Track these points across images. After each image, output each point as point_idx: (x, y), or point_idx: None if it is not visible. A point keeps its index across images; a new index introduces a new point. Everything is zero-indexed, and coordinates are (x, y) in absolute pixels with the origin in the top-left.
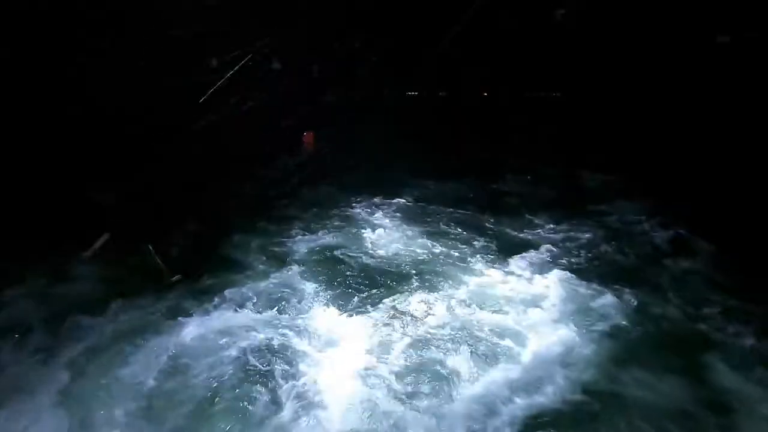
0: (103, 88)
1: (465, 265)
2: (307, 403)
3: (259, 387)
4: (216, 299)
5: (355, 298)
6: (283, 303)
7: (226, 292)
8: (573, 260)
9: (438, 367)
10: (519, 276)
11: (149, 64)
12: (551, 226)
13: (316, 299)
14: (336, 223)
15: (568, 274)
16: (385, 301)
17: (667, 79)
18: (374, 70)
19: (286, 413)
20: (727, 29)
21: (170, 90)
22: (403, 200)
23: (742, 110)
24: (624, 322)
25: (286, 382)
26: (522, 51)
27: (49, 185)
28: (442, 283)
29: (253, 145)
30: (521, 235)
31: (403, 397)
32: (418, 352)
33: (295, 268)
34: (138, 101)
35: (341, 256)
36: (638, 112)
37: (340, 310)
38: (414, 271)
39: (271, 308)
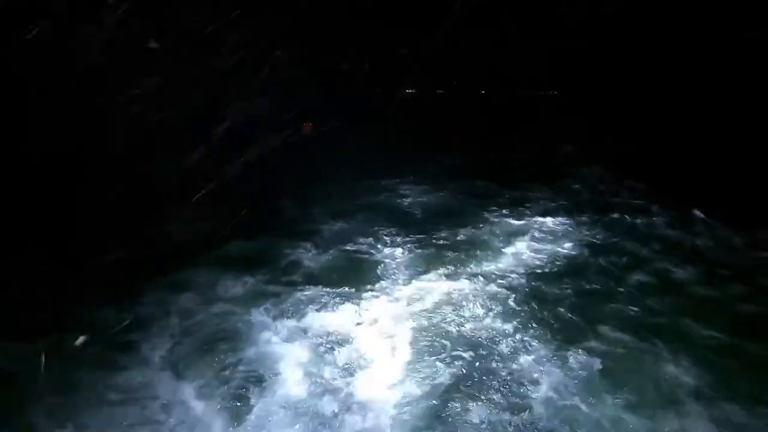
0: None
1: (466, 214)
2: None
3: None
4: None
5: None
6: (348, 241)
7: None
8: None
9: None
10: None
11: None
12: (540, 197)
13: (369, 238)
14: (361, 196)
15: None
16: (416, 236)
17: (665, 77)
18: (372, 67)
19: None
20: (726, 28)
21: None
22: (412, 179)
23: (737, 108)
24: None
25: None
26: (520, 50)
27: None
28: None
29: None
30: (514, 206)
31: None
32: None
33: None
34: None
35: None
36: (635, 110)
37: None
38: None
39: (341, 243)
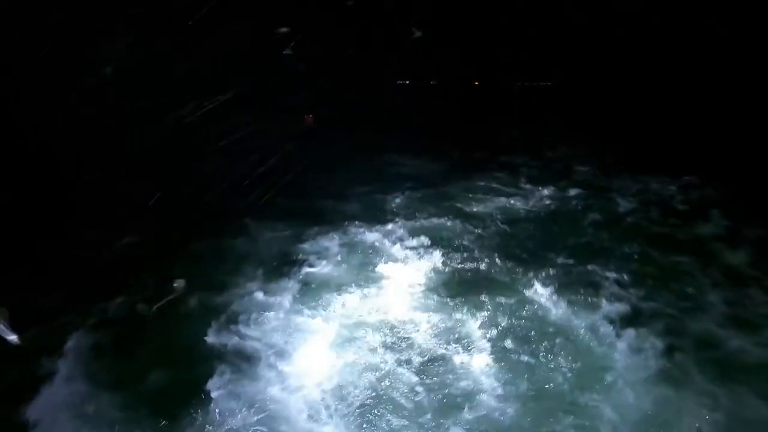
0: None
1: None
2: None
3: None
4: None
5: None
6: (366, 198)
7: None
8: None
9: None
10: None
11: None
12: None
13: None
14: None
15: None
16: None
17: (657, 73)
18: (366, 59)
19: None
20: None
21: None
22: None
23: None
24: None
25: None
26: (513, 42)
27: None
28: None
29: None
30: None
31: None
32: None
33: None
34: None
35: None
36: (620, 100)
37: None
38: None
39: (370, 210)
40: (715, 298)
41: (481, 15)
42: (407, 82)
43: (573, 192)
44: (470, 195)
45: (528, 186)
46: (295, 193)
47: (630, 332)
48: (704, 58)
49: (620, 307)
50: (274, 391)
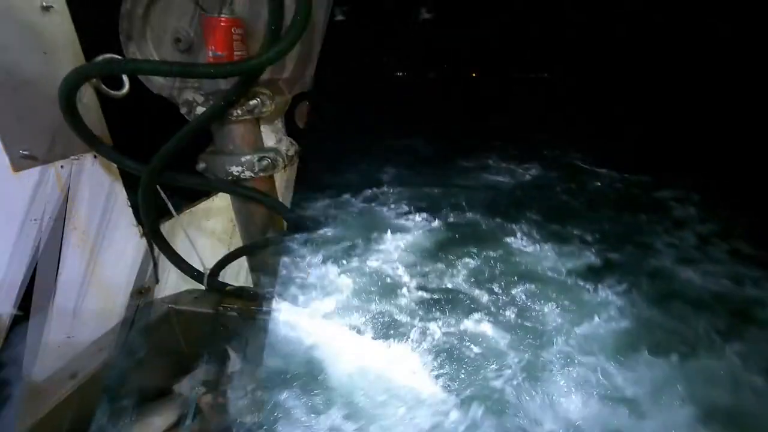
0: None
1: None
2: None
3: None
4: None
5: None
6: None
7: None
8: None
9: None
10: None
11: None
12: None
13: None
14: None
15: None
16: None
17: (655, 65)
18: (364, 51)
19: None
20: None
21: None
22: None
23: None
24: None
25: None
26: (511, 34)
27: None
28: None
29: None
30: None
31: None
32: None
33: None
34: None
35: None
36: (623, 96)
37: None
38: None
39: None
40: (666, 245)
41: (482, 10)
42: (405, 73)
43: (554, 172)
44: (460, 172)
45: (512, 165)
46: (299, 172)
47: (598, 276)
48: (705, 55)
49: (591, 257)
50: (282, 330)
